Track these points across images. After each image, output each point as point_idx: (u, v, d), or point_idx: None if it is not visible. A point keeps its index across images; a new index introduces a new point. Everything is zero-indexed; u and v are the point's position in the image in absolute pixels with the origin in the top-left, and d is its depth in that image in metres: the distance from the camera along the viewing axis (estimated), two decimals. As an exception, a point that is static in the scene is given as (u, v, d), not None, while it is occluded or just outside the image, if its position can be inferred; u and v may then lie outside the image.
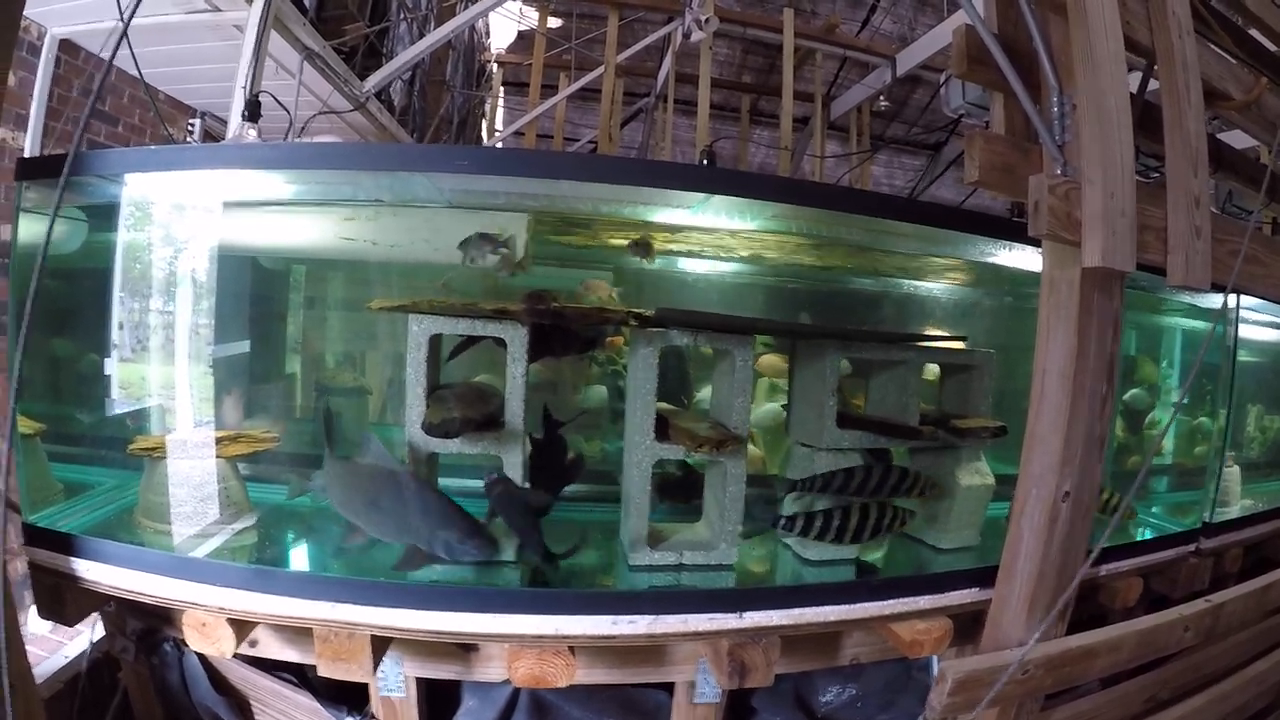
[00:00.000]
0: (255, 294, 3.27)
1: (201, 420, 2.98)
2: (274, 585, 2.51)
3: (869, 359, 3.25)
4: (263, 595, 2.48)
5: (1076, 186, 2.37)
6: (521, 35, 10.31)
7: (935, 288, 4.47)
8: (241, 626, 2.56)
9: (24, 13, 4.69)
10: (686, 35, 7.54)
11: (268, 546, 3.03)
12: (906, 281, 4.32)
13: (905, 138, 11.56)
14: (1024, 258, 3.29)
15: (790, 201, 2.73)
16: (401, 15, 7.77)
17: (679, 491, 3.30)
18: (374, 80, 6.62)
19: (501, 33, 10.56)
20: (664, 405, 2.89)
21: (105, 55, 5.36)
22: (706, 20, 7.35)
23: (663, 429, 2.87)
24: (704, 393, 4.07)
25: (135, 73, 4.34)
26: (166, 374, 2.98)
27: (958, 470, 3.32)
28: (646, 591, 2.64)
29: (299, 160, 2.61)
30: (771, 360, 4.19)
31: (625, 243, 3.21)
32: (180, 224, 2.92)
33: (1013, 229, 2.94)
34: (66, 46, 5.29)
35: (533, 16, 9.50)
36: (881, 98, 9.28)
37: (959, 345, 3.55)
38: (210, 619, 2.52)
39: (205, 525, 2.96)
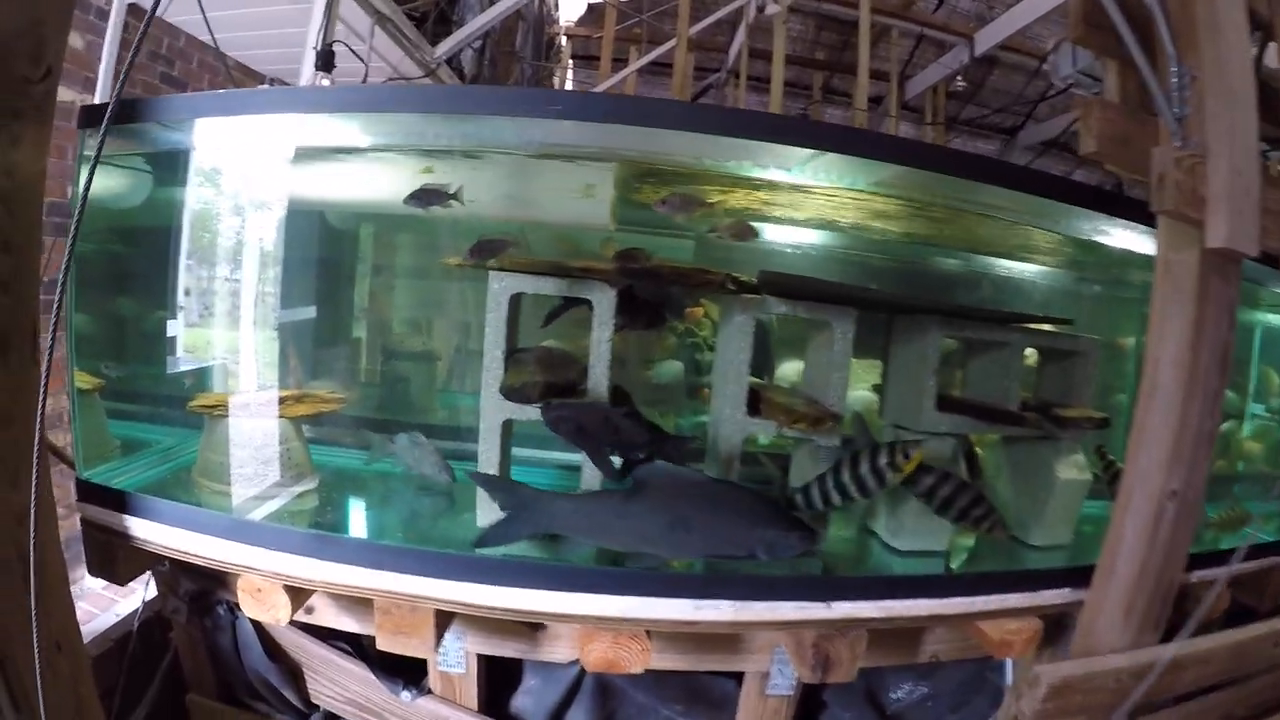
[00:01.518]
0: (323, 253, 3.07)
1: (265, 380, 2.81)
2: (334, 552, 2.35)
3: (970, 339, 2.96)
4: (321, 562, 2.33)
5: (1202, 161, 2.22)
6: (591, 8, 10.06)
7: (1016, 267, 4.17)
8: (298, 594, 2.41)
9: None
10: (761, 9, 7.35)
11: (329, 511, 2.86)
12: (985, 259, 4.03)
13: (980, 120, 11.13)
14: (1120, 239, 3.08)
15: (914, 164, 2.43)
16: (472, -17, 7.58)
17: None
18: (445, 46, 6.42)
19: (571, 5, 10.33)
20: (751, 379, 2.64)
21: (170, 17, 5.27)
22: (781, -5, 7.10)
23: (753, 403, 2.62)
24: (782, 369, 3.83)
25: (207, 37, 4.18)
26: (230, 334, 2.83)
27: (1055, 462, 3.04)
28: (731, 576, 2.40)
29: (375, 103, 2.36)
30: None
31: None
32: (246, 177, 2.74)
33: (1128, 205, 2.68)
34: (135, 10, 5.17)
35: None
36: (959, 78, 8.89)
37: (1062, 330, 3.24)
38: (266, 584, 2.38)
39: (265, 487, 2.79)
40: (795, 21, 9.73)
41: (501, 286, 2.47)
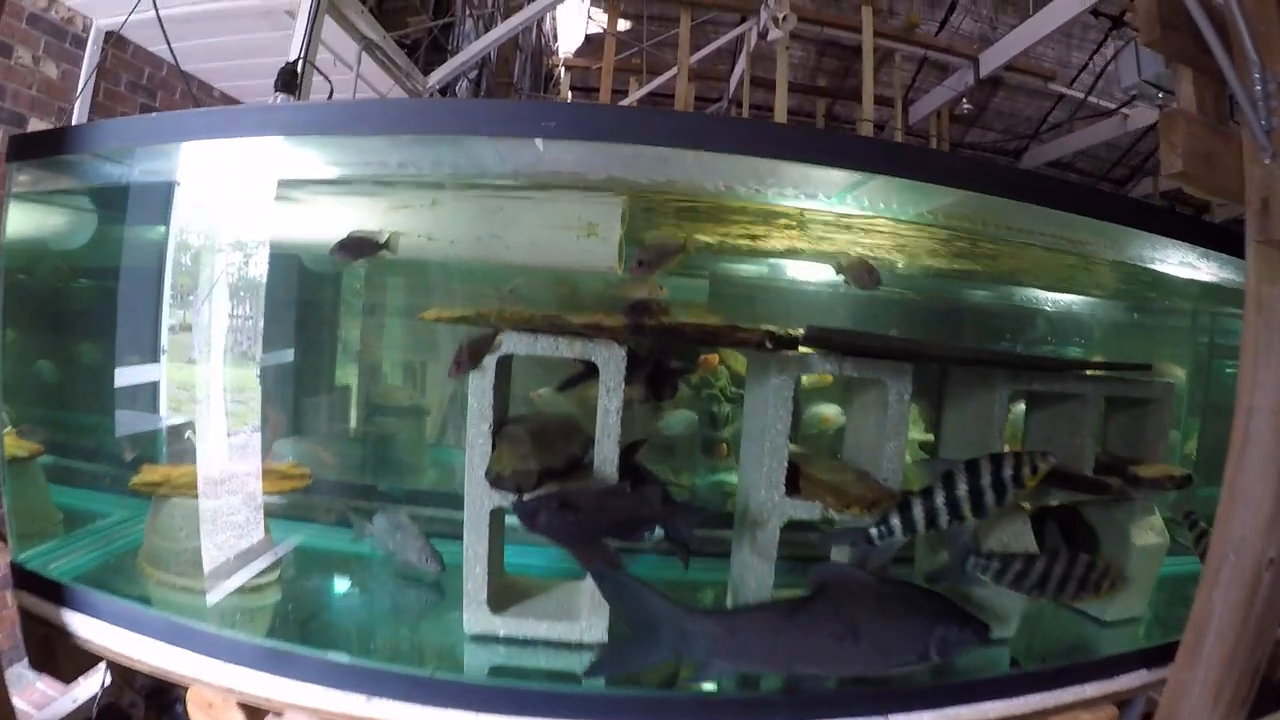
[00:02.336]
0: (289, 299, 2.58)
1: (220, 449, 2.34)
2: (298, 669, 1.98)
3: (1040, 392, 2.46)
4: (282, 679, 1.97)
5: (1305, 182, 1.93)
6: (589, 39, 9.67)
7: (1057, 298, 3.73)
8: (257, 714, 2.01)
9: (69, 3, 4.25)
10: (763, 35, 6.95)
11: (294, 609, 2.41)
12: (1028, 291, 3.59)
13: (985, 143, 10.69)
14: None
15: (985, 189, 1.97)
16: (467, 11, 7.14)
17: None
18: (438, 75, 5.96)
19: (569, 37, 9.93)
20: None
21: (153, 49, 4.85)
22: (784, 18, 6.75)
23: (792, 477, 2.13)
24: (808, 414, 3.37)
25: (191, 67, 3.77)
26: (181, 391, 2.37)
27: (1130, 526, 2.61)
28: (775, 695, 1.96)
29: (331, 122, 1.87)
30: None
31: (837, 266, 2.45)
32: (203, 213, 2.29)
33: (1217, 234, 2.35)
34: (114, 39, 4.78)
35: (601, 19, 8.86)
36: (964, 100, 8.47)
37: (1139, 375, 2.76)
38: (218, 700, 2.02)
39: (218, 579, 2.30)
40: (797, 48, 9.34)
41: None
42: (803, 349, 2.15)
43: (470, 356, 1.94)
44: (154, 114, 4.67)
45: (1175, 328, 4.12)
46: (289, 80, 3.10)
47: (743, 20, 7.91)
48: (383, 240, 2.11)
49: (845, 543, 2.12)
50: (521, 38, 7.50)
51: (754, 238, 2.42)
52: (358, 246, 2.17)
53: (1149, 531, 2.62)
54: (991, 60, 7.94)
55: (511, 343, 1.98)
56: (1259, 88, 1.97)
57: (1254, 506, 1.99)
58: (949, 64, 8.48)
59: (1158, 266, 2.81)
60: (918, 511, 2.01)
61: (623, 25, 9.05)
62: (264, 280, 2.21)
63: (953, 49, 8.30)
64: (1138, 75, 2.74)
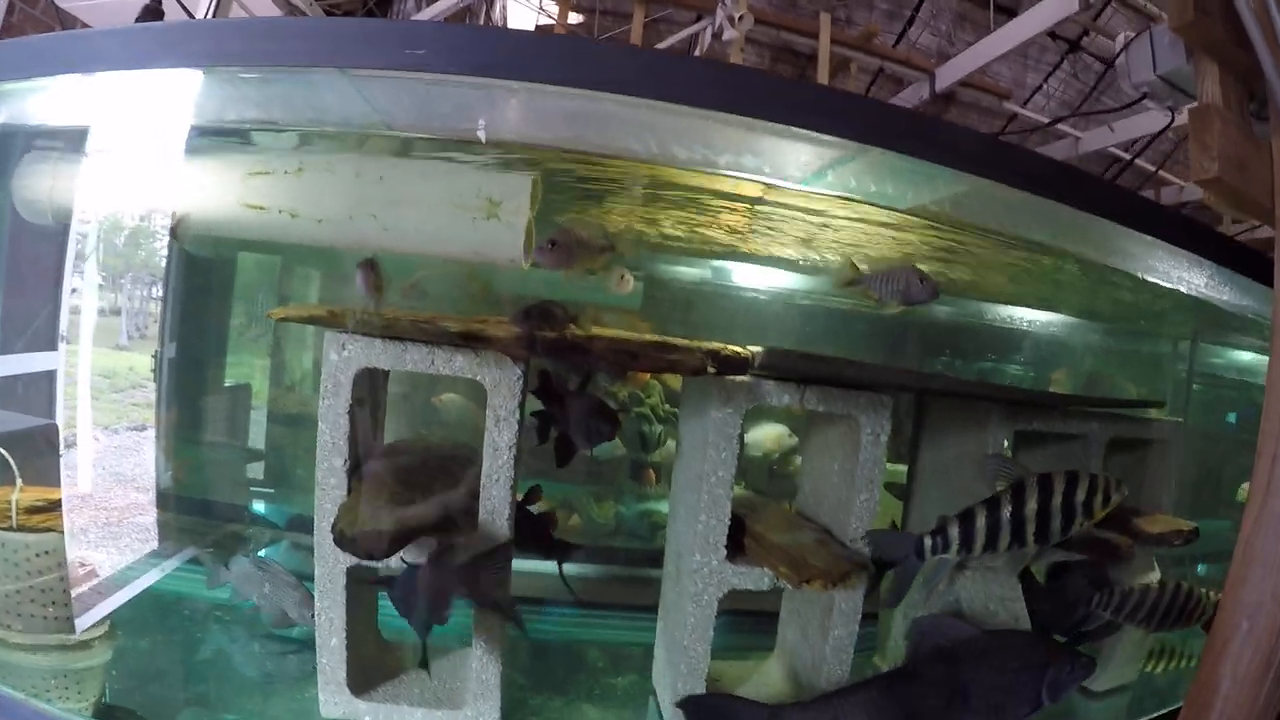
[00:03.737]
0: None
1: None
2: None
3: (1038, 431, 1.97)
4: None
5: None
6: (539, 30, 9.13)
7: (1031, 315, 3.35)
8: None
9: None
10: (717, 34, 6.55)
11: (122, 683, 1.80)
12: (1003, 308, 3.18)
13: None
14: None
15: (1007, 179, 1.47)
16: (408, -13, 6.57)
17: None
18: (370, 55, 5.37)
19: (518, 26, 9.37)
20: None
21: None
22: (740, 18, 6.35)
23: (735, 536, 1.61)
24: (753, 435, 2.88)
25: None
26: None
27: (1127, 583, 2.13)
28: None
29: (120, 51, 1.30)
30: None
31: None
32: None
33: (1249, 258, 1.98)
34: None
35: (552, 10, 8.33)
36: (919, 114, 8.12)
37: (1143, 412, 2.32)
38: None
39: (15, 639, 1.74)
40: (750, 52, 8.86)
41: (343, 358, 1.43)
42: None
43: (531, 329, 1.37)
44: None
45: (1152, 352, 3.77)
46: (155, 18, 2.48)
47: (698, 19, 7.47)
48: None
49: (885, 555, 1.64)
50: (468, 25, 6.95)
51: (702, 227, 1.90)
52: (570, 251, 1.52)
53: None
54: (948, 75, 7.62)
55: (373, 353, 1.43)
56: (1291, 89, 1.65)
57: (1274, 569, 1.67)
58: (905, 77, 8.11)
59: (1156, 281, 2.40)
60: (980, 526, 1.57)
61: (574, 19, 8.51)
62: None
63: (910, 61, 7.92)
64: (1152, 70, 2.28)
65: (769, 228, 2.03)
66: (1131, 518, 2.11)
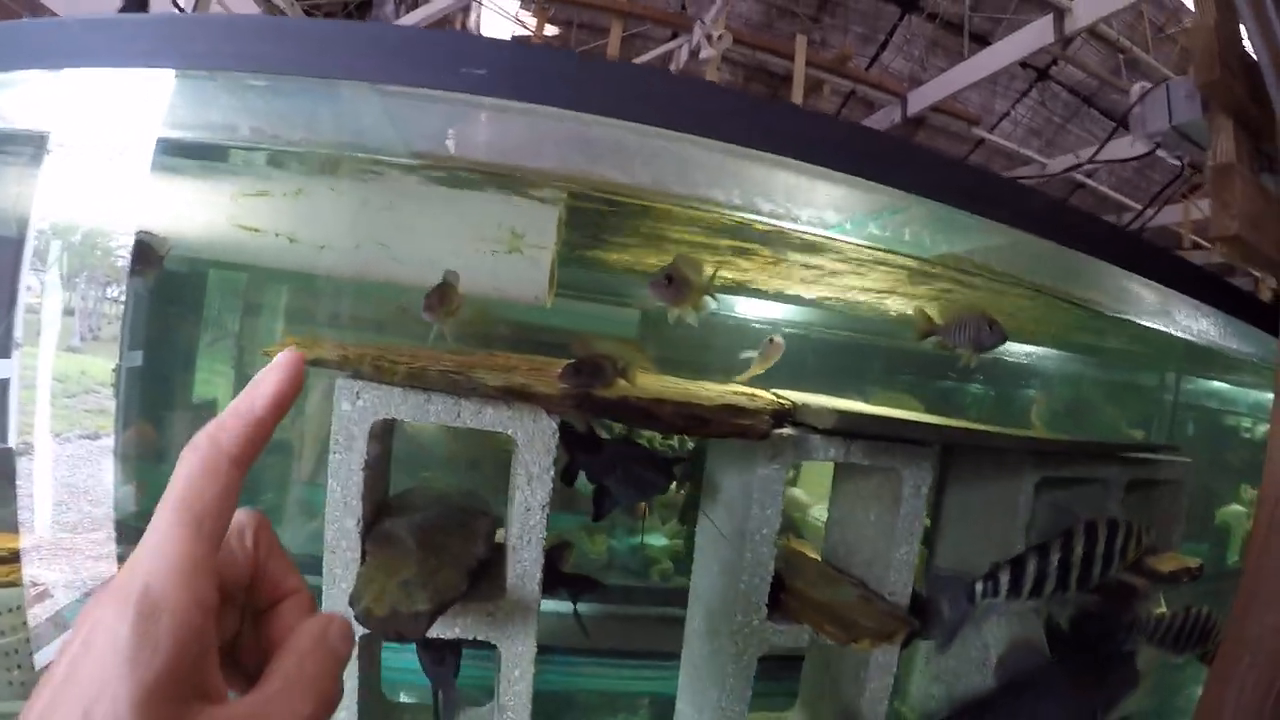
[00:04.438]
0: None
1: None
2: None
3: (1068, 478, 1.88)
4: None
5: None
6: (518, 42, 8.98)
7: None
8: None
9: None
10: (695, 52, 6.47)
11: None
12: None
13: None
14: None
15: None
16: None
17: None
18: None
19: (493, 37, 9.21)
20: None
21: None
22: (719, 37, 6.27)
23: (773, 594, 1.50)
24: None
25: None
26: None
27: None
28: None
29: (93, 45, 1.15)
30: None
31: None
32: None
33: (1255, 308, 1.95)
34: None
35: (528, 21, 8.18)
36: (890, 137, 8.11)
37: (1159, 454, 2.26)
38: None
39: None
40: (724, 71, 8.83)
41: (357, 408, 1.28)
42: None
43: (582, 382, 1.22)
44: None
45: (1135, 382, 3.75)
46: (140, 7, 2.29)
47: (674, 36, 7.38)
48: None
49: (937, 594, 1.58)
50: (443, 37, 6.79)
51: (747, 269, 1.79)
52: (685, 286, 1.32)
53: None
54: (919, 100, 7.61)
55: (391, 403, 1.29)
56: (1307, 146, 1.65)
57: (1275, 605, 1.63)
58: (876, 100, 8.10)
59: (1141, 320, 2.35)
60: (1030, 571, 1.53)
61: (550, 31, 8.37)
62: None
63: (883, 85, 7.91)
64: (1168, 121, 2.24)
65: (774, 263, 1.93)
66: (1145, 557, 2.06)
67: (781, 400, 1.47)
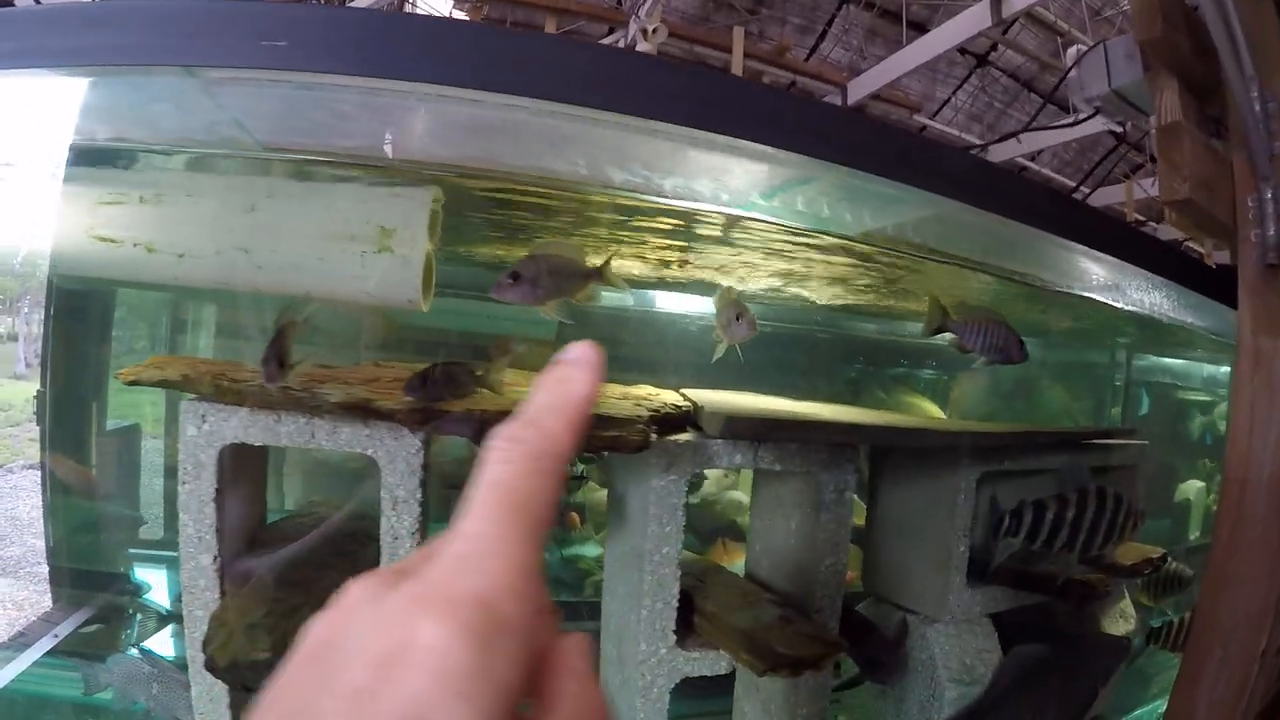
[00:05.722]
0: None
1: None
2: None
3: (1010, 470, 1.77)
4: None
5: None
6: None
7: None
8: None
9: None
10: (631, 47, 6.37)
11: None
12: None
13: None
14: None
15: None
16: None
17: None
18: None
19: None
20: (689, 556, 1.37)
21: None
22: (654, 30, 6.21)
23: (683, 611, 1.36)
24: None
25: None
26: None
27: (1101, 617, 2.11)
28: None
29: None
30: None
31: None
32: None
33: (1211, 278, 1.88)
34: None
35: (462, 19, 8.06)
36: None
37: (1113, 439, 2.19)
38: None
39: None
40: (665, 64, 8.77)
41: (203, 432, 1.13)
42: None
43: (425, 397, 1.07)
44: None
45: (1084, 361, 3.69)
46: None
47: (610, 31, 7.29)
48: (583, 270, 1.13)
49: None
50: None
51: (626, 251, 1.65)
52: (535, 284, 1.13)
53: (1120, 620, 2.14)
54: (859, 89, 7.60)
55: (239, 426, 1.14)
56: (1258, 107, 1.62)
57: (1247, 590, 1.63)
58: (816, 90, 8.06)
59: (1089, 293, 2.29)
60: (1048, 518, 1.61)
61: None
62: None
63: (822, 76, 7.87)
64: (1107, 83, 2.15)
65: (698, 252, 1.81)
66: (1104, 552, 1.97)
67: (678, 403, 1.34)
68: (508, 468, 0.41)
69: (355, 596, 0.38)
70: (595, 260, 1.16)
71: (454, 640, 0.33)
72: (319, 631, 0.37)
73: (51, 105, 1.27)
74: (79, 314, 2.15)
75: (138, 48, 0.98)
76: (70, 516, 2.11)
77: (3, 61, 1.02)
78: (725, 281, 1.98)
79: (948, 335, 1.50)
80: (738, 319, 1.28)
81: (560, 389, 0.45)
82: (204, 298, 2.20)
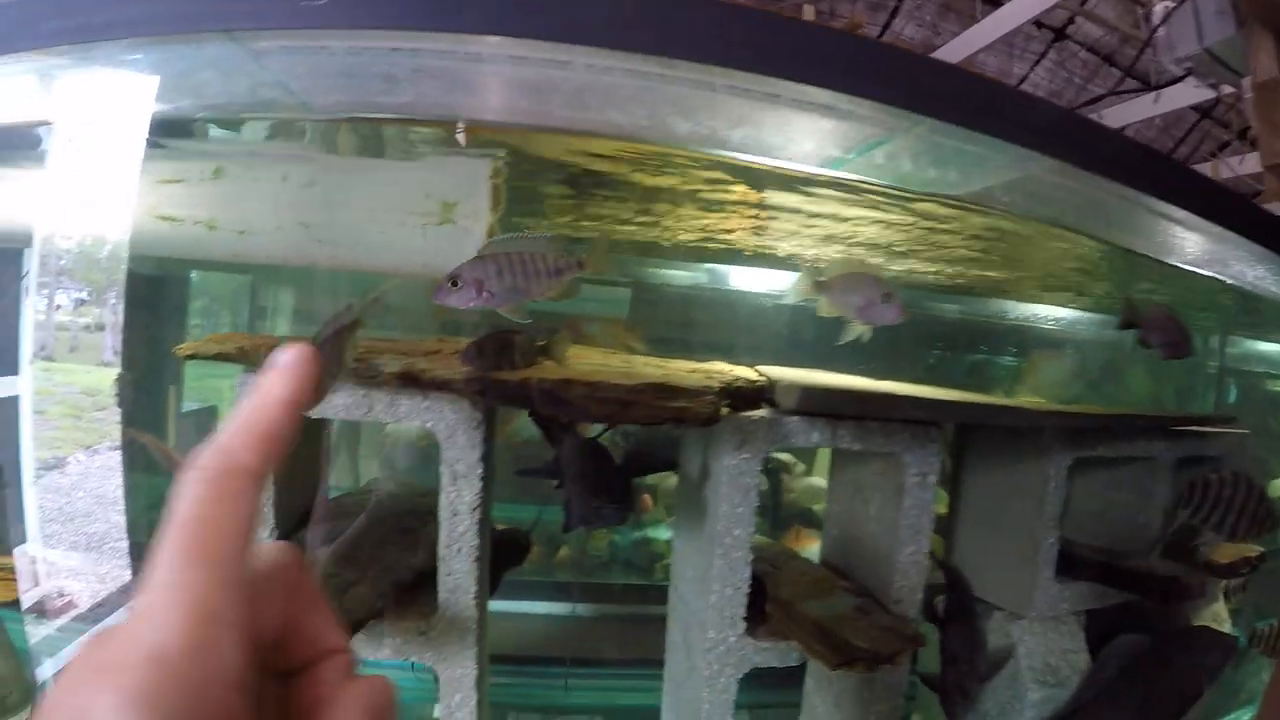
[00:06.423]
0: None
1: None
2: None
3: (1104, 457, 1.64)
4: None
5: None
6: None
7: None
8: None
9: None
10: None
11: None
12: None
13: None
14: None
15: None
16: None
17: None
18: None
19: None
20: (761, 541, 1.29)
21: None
22: (725, 9, 6.07)
23: (755, 602, 1.29)
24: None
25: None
26: None
27: (1193, 620, 1.88)
28: None
29: None
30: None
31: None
32: None
33: None
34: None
35: None
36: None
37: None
38: None
39: None
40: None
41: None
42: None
43: (486, 364, 1.01)
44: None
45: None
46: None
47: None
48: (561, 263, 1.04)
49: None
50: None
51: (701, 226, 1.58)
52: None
53: (1213, 624, 1.90)
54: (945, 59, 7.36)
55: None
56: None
57: None
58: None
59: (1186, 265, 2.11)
60: (1210, 497, 1.52)
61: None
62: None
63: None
64: (1198, 42, 2.00)
65: (776, 225, 1.72)
66: (1200, 548, 1.81)
67: (751, 379, 1.26)
68: (190, 503, 0.37)
69: (66, 668, 0.35)
70: (595, 255, 1.06)
71: (125, 711, 0.31)
72: (39, 713, 0.33)
73: (109, 84, 1.25)
74: (153, 298, 2.18)
75: (182, 16, 0.95)
76: (150, 494, 2.13)
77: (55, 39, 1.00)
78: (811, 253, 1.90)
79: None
80: (885, 299, 1.19)
81: (251, 402, 0.42)
82: (283, 280, 2.20)
